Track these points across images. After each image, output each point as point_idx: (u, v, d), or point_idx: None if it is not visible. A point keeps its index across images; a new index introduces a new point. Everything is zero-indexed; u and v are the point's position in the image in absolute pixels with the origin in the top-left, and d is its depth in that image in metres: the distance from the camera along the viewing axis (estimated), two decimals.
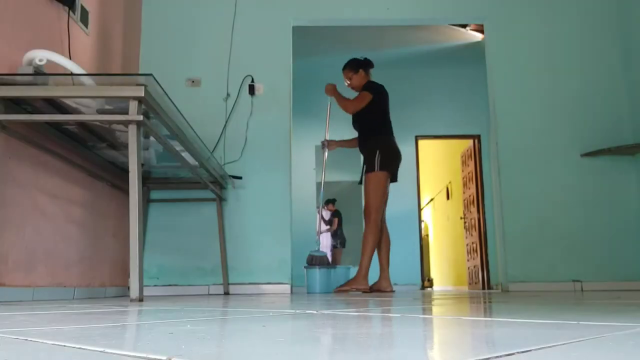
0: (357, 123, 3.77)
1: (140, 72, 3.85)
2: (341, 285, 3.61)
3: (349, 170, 7.05)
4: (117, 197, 3.34)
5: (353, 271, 5.25)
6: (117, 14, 3.58)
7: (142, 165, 2.79)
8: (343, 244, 7.73)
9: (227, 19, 4.00)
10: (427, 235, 10.37)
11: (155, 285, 3.63)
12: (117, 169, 3.12)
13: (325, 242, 7.76)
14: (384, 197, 3.63)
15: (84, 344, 0.62)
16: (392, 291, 3.61)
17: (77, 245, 2.87)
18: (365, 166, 3.68)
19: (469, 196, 6.86)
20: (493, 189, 4.09)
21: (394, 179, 3.72)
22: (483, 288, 6.21)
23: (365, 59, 3.86)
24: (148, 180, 3.56)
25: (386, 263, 3.70)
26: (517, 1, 4.14)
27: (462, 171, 7.19)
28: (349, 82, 3.83)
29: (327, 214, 7.82)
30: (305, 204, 6.61)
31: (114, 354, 0.54)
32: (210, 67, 3.95)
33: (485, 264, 6.34)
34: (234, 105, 3.90)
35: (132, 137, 2.01)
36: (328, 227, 7.82)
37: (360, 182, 3.84)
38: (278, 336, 0.73)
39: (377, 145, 3.63)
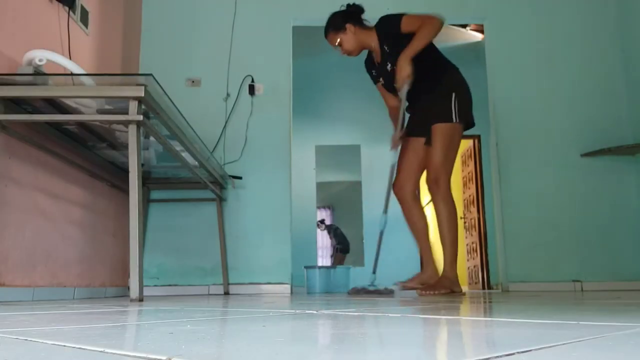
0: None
1: (140, 72, 3.85)
2: (411, 281, 2.84)
3: (348, 170, 7.07)
4: (117, 197, 3.34)
5: (353, 272, 5.25)
6: (117, 14, 3.58)
7: (142, 165, 2.79)
8: (346, 250, 7.68)
9: (227, 19, 4.00)
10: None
11: (155, 285, 3.63)
12: (117, 169, 3.12)
13: (323, 243, 7.78)
14: (454, 156, 2.79)
15: (84, 344, 0.62)
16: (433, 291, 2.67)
17: (77, 245, 2.87)
18: (428, 115, 2.78)
19: (469, 196, 6.86)
20: (493, 189, 4.09)
21: (469, 125, 2.87)
22: (483, 288, 6.21)
23: (350, 5, 3.00)
24: (148, 180, 3.56)
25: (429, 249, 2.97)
26: (517, 1, 4.14)
27: (462, 171, 7.19)
28: (341, 49, 2.96)
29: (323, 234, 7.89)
30: (305, 204, 6.61)
31: (114, 354, 0.54)
32: (210, 67, 3.95)
33: (485, 264, 6.34)
34: (234, 105, 3.90)
35: (132, 137, 2.01)
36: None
37: (417, 135, 2.83)
38: (278, 336, 0.73)
39: (452, 85, 2.77)
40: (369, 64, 3.06)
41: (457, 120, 2.74)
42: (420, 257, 3.10)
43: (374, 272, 2.95)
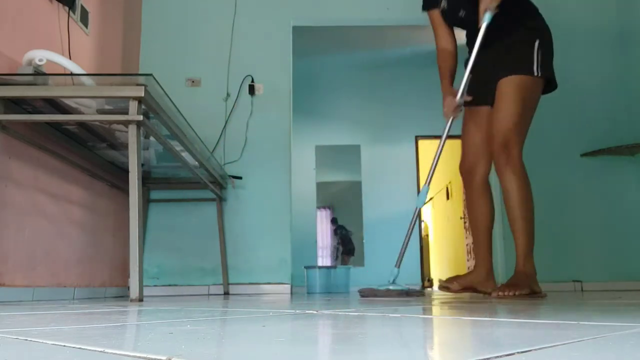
0: None
1: (140, 72, 3.85)
2: (456, 280, 2.29)
3: (348, 170, 7.06)
4: (117, 197, 3.34)
5: (353, 271, 5.24)
6: (117, 14, 3.58)
7: (142, 165, 2.79)
8: (351, 252, 7.76)
9: (227, 18, 4.00)
10: (427, 235, 10.37)
11: (155, 285, 3.63)
12: (117, 169, 3.12)
13: (323, 243, 7.83)
14: (530, 121, 2.15)
15: (84, 344, 0.62)
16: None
17: (77, 245, 2.87)
18: (498, 68, 2.16)
19: None
20: (493, 189, 4.08)
21: (551, 87, 2.25)
22: None
23: None
24: (148, 180, 3.56)
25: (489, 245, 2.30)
26: None
27: None
28: None
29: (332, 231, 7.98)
30: (305, 204, 6.61)
31: (114, 354, 0.54)
32: (210, 67, 3.95)
33: None
34: (234, 105, 3.90)
35: (132, 137, 2.01)
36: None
37: (472, 101, 2.22)
38: (278, 336, 0.73)
39: (537, 30, 2.17)
40: None
41: (539, 74, 2.12)
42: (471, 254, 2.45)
43: (397, 267, 2.35)
